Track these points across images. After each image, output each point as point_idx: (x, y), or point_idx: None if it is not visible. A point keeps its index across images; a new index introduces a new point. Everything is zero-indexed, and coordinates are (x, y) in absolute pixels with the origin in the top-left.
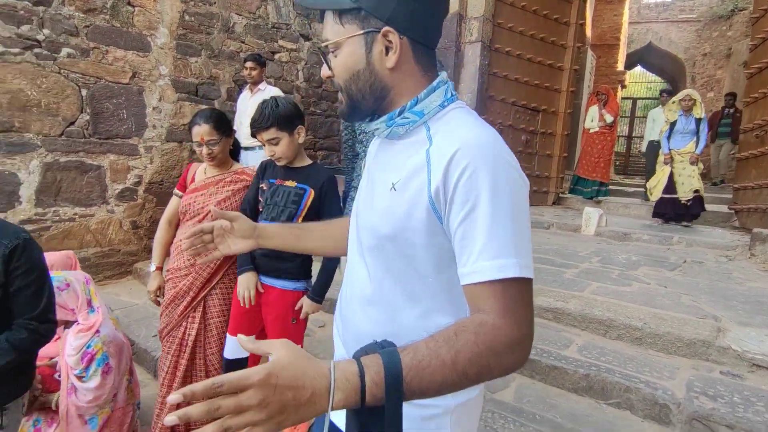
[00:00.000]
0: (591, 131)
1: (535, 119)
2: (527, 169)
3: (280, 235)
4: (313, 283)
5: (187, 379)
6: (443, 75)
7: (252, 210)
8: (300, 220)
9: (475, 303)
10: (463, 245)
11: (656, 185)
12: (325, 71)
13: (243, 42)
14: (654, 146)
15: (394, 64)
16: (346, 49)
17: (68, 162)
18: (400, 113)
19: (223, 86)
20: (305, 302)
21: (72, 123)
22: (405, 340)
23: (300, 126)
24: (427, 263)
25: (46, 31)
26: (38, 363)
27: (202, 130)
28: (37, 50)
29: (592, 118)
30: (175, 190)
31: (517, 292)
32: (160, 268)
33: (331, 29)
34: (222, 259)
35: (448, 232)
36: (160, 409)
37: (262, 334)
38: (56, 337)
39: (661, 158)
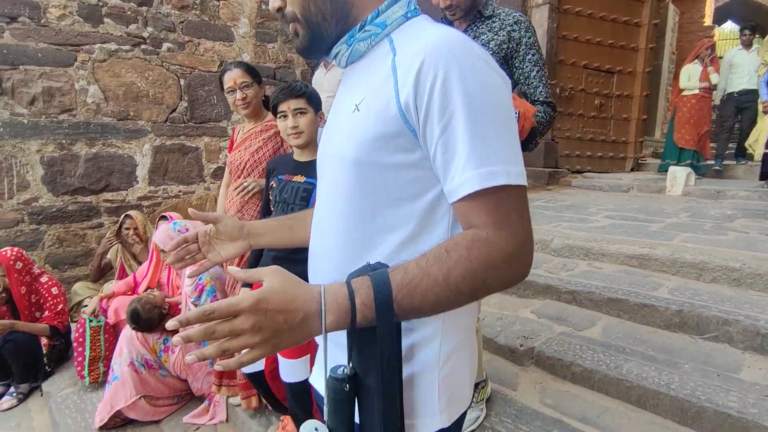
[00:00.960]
0: (688, 93)
1: (609, 81)
2: (602, 135)
3: (271, 230)
4: None
5: None
6: None
7: (267, 214)
8: None
9: (467, 220)
10: (445, 160)
11: (757, 138)
12: (273, 2)
13: None
14: (735, 98)
15: None
16: None
17: (172, 145)
18: (360, 28)
19: (297, 69)
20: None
21: (174, 110)
22: None
23: (321, 111)
24: (401, 188)
25: (149, 29)
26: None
27: (234, 74)
28: (143, 46)
29: (690, 77)
30: (228, 154)
31: (509, 201)
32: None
33: None
34: None
35: (428, 151)
36: None
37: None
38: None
39: (760, 107)
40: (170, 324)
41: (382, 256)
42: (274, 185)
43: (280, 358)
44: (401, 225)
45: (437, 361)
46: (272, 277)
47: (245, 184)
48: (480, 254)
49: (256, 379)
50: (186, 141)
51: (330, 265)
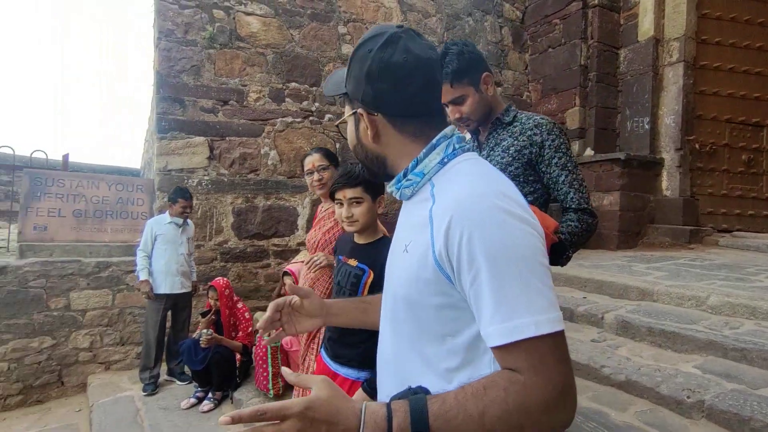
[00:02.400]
0: None
1: (758, 135)
2: (752, 191)
3: (345, 311)
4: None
5: None
6: (447, 130)
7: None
8: None
9: (504, 364)
10: (477, 310)
11: None
12: (349, 144)
13: None
14: None
15: (372, 138)
16: (348, 126)
17: None
18: (404, 175)
19: None
20: (358, 395)
21: None
22: None
23: (381, 195)
24: (444, 324)
25: (316, 104)
26: None
27: (313, 158)
28: (311, 118)
29: None
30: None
31: (543, 348)
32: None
33: (345, 108)
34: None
35: (463, 293)
36: None
37: None
38: None
39: None
40: (222, 420)
41: (429, 384)
42: (334, 264)
43: None
44: (446, 357)
45: None
46: (321, 387)
47: (315, 258)
48: (516, 398)
49: None
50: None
51: (388, 377)
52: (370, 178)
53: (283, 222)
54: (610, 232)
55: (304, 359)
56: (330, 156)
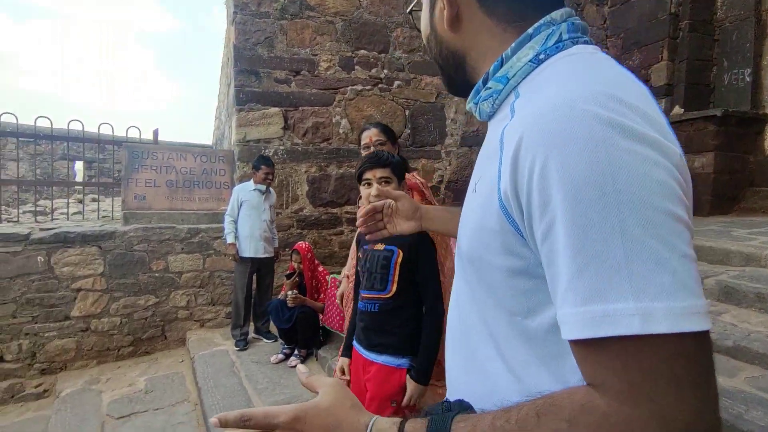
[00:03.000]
0: None
1: None
2: None
3: (440, 219)
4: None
5: None
6: (556, 14)
7: (358, 286)
8: (394, 286)
9: (583, 369)
10: (551, 277)
11: None
12: (423, 36)
13: None
14: None
15: (448, 23)
16: (423, 9)
17: None
18: (484, 83)
19: None
20: (408, 384)
21: (400, 136)
22: (497, 398)
23: (404, 180)
24: (513, 298)
25: (385, 71)
26: None
27: (370, 133)
28: (380, 85)
29: None
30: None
31: (655, 361)
32: (348, 276)
33: None
34: None
35: (536, 250)
36: None
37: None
38: None
39: None
40: (212, 420)
41: (489, 380)
42: (360, 256)
43: None
44: (517, 346)
45: None
46: (326, 392)
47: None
48: (592, 427)
49: None
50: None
51: (452, 361)
52: (447, 88)
53: (354, 190)
54: (702, 196)
55: None
56: (388, 132)
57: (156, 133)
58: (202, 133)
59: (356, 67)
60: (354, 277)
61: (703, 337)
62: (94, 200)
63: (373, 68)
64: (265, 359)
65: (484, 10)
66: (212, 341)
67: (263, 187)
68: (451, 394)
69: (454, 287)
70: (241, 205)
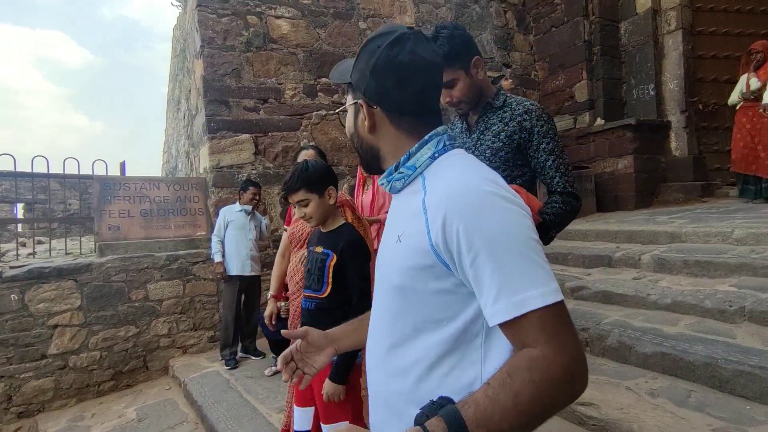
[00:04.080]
0: (737, 107)
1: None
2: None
3: (345, 335)
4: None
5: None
6: (439, 129)
7: None
8: (328, 287)
9: (519, 339)
10: (479, 292)
11: None
12: (347, 131)
13: None
14: None
15: (368, 129)
16: (348, 114)
17: None
18: (395, 168)
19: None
20: (326, 383)
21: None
22: (423, 394)
23: (330, 187)
24: (438, 310)
25: (346, 97)
26: None
27: (306, 153)
28: (341, 111)
29: (741, 90)
30: (284, 226)
31: (552, 318)
32: (274, 296)
33: (346, 97)
34: None
35: (465, 278)
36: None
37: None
38: None
39: None
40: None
41: (421, 369)
42: (306, 254)
43: (322, 426)
44: (439, 343)
45: None
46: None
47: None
48: (542, 374)
49: None
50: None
51: (377, 371)
52: (364, 169)
53: None
54: (627, 193)
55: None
56: (321, 154)
57: (123, 165)
58: (143, 167)
59: (319, 93)
60: (296, 303)
61: (564, 303)
62: (40, 242)
63: (335, 94)
64: (258, 374)
65: (393, 125)
66: (199, 365)
67: (249, 208)
68: (373, 394)
69: (376, 304)
70: (227, 225)
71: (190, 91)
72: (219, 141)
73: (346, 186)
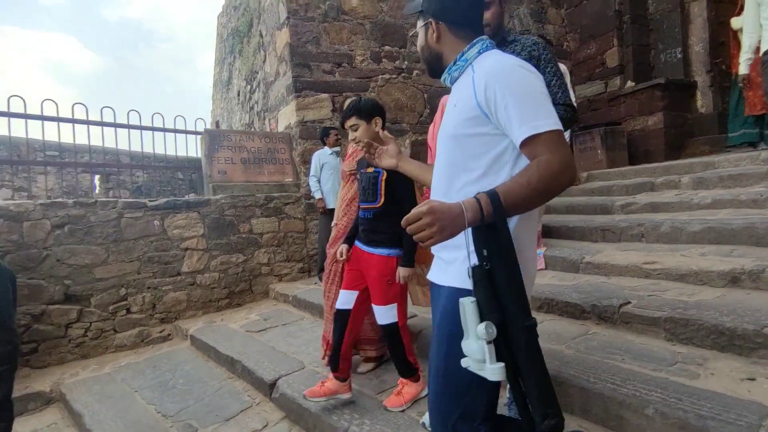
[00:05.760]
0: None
1: None
2: None
3: (412, 164)
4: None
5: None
6: (483, 36)
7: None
8: (381, 199)
9: (533, 153)
10: (510, 126)
11: None
12: (417, 46)
13: None
14: None
15: (436, 39)
16: (420, 34)
17: (421, 140)
18: (453, 64)
19: None
20: (399, 269)
21: (421, 115)
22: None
23: (377, 117)
24: (478, 146)
25: (406, 63)
26: None
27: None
28: (403, 74)
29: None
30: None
31: (553, 138)
32: (336, 225)
33: (417, 24)
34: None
35: (499, 123)
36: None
37: (366, 292)
38: None
39: None
40: (409, 217)
41: (467, 184)
42: (358, 177)
43: (375, 306)
44: (478, 168)
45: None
46: (432, 202)
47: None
48: (546, 167)
49: (343, 316)
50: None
51: (438, 191)
52: (429, 73)
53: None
54: (657, 147)
55: (328, 292)
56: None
57: (231, 125)
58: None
59: (383, 59)
60: (341, 224)
61: (562, 130)
62: None
63: (396, 60)
64: None
65: (452, 34)
66: (296, 287)
67: (338, 149)
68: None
69: (438, 158)
70: (322, 167)
71: (251, 67)
72: (303, 99)
73: (408, 141)
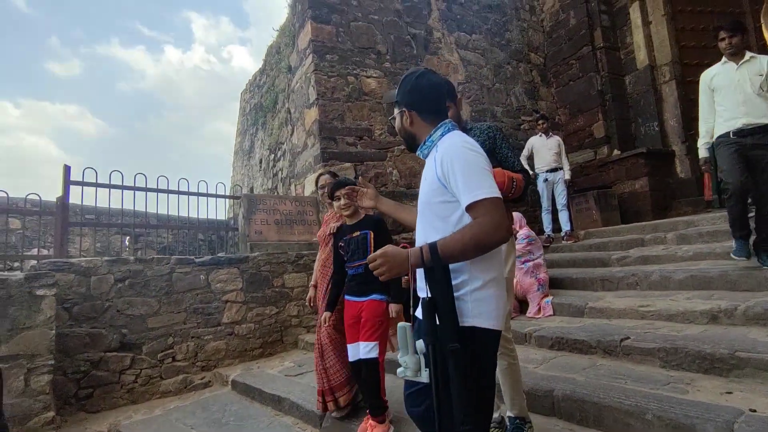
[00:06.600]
0: None
1: None
2: None
3: (389, 204)
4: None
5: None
6: (446, 120)
7: (340, 262)
8: (372, 253)
9: (474, 215)
10: (457, 192)
11: None
12: (396, 129)
13: (502, 121)
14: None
15: (409, 124)
16: (397, 118)
17: None
18: (423, 143)
19: None
20: (391, 306)
21: None
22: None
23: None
24: (444, 209)
25: (394, 110)
26: None
27: (324, 178)
28: (391, 119)
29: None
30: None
31: (487, 204)
32: (314, 285)
33: (394, 111)
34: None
35: (451, 191)
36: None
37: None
38: None
39: None
40: (369, 258)
41: (438, 236)
42: (342, 245)
43: (361, 343)
44: (446, 226)
45: (469, 292)
46: (387, 248)
47: (330, 227)
48: (479, 227)
49: (355, 366)
50: None
51: (420, 240)
52: (408, 148)
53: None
54: (645, 208)
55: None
56: (335, 176)
57: (252, 189)
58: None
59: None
60: (321, 283)
61: (500, 199)
62: None
63: None
64: None
65: (422, 119)
66: None
67: None
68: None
69: (418, 218)
70: None
71: (277, 139)
72: (330, 167)
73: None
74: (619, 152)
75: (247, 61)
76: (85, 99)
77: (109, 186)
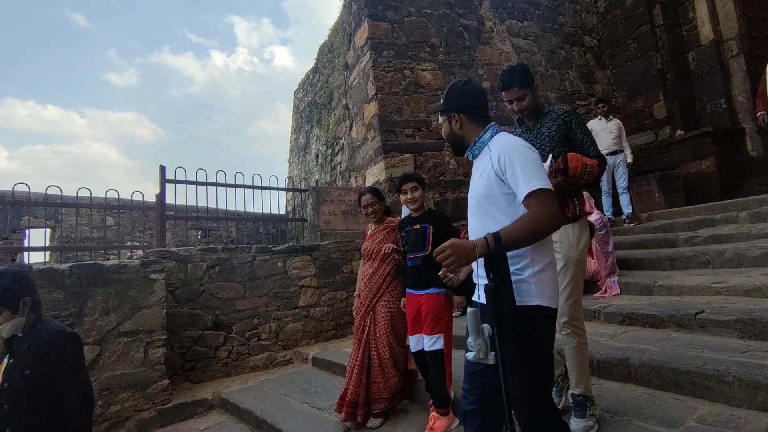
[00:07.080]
0: None
1: None
2: None
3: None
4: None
5: (364, 363)
6: (492, 123)
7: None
8: (429, 246)
9: (529, 205)
10: (515, 185)
11: None
12: (443, 134)
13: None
14: None
15: (458, 128)
16: (444, 124)
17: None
18: (473, 145)
19: None
20: (454, 297)
21: None
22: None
23: (424, 185)
24: (503, 202)
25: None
26: None
27: (365, 198)
28: (439, 125)
29: None
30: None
31: (543, 195)
32: (358, 295)
33: (439, 117)
34: (380, 285)
35: (508, 183)
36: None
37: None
38: None
39: None
40: (437, 249)
41: (496, 229)
42: (403, 235)
43: (425, 336)
44: (505, 217)
45: (533, 274)
46: (454, 240)
47: (385, 247)
48: (536, 216)
49: (420, 356)
50: None
51: (474, 235)
52: (455, 152)
53: (462, 209)
54: (713, 188)
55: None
56: (377, 193)
57: (317, 182)
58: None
59: None
60: (363, 295)
61: (552, 191)
62: None
63: None
64: None
65: (470, 121)
66: None
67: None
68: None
69: (471, 213)
70: None
71: (334, 134)
72: (391, 159)
73: None
74: (683, 132)
75: (287, 61)
76: (141, 106)
77: (196, 183)
